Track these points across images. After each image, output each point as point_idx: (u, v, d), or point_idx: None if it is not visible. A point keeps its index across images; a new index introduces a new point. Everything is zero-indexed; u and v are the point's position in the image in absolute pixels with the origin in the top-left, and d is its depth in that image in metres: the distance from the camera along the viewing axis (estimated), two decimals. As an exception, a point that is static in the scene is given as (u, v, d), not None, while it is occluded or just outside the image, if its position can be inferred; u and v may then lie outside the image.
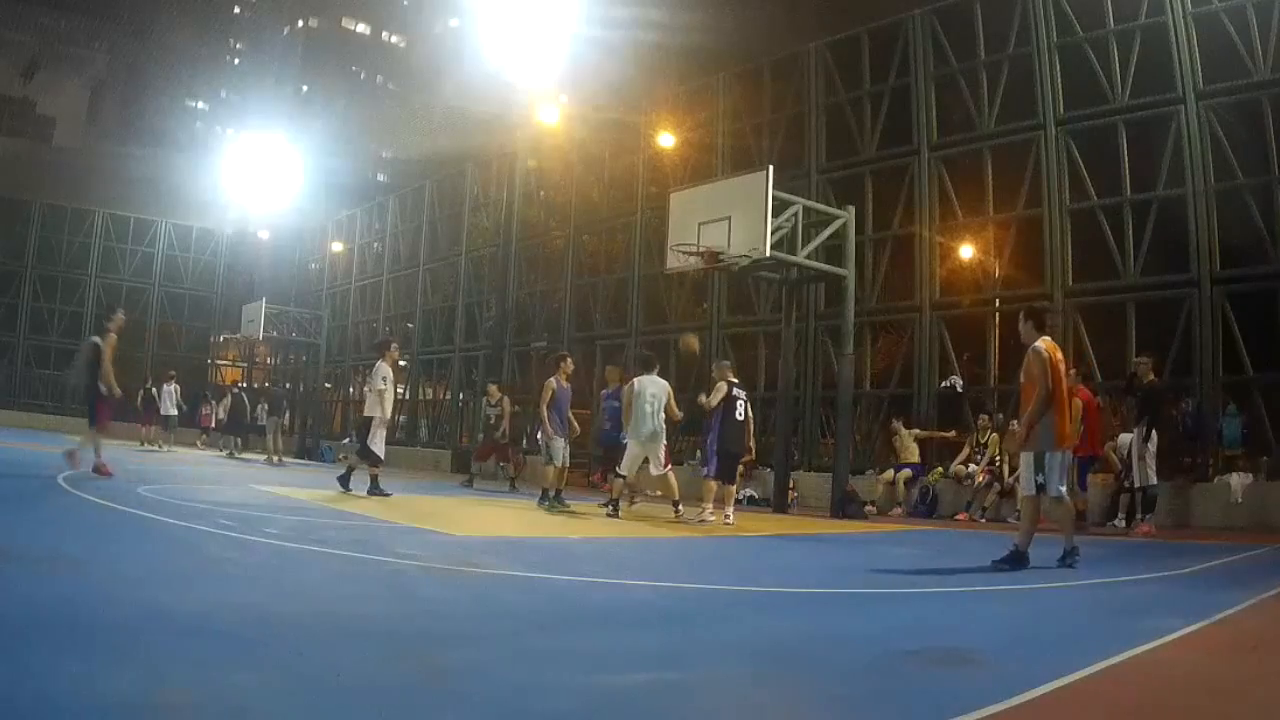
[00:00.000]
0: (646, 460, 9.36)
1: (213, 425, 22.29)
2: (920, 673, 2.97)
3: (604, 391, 11.24)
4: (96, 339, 9.44)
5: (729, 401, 9.12)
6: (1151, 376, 9.83)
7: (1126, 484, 9.97)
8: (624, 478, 9.34)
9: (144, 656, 2.51)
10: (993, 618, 4.30)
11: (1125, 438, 9.96)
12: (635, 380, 9.49)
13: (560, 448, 9.89)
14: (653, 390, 9.24)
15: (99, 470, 9.04)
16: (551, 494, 9.83)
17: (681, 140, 18.25)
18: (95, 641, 2.61)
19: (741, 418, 9.21)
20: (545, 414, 9.85)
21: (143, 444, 20.04)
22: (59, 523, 5.76)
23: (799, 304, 13.59)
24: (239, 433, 20.47)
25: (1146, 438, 9.43)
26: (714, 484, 9.18)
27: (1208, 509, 10.24)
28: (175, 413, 20.93)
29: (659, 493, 10.38)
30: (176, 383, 21.17)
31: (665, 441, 9.53)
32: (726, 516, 9.04)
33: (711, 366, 10.36)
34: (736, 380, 9.48)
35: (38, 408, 27.07)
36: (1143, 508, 9.55)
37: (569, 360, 10.55)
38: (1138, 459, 9.47)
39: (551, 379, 10.08)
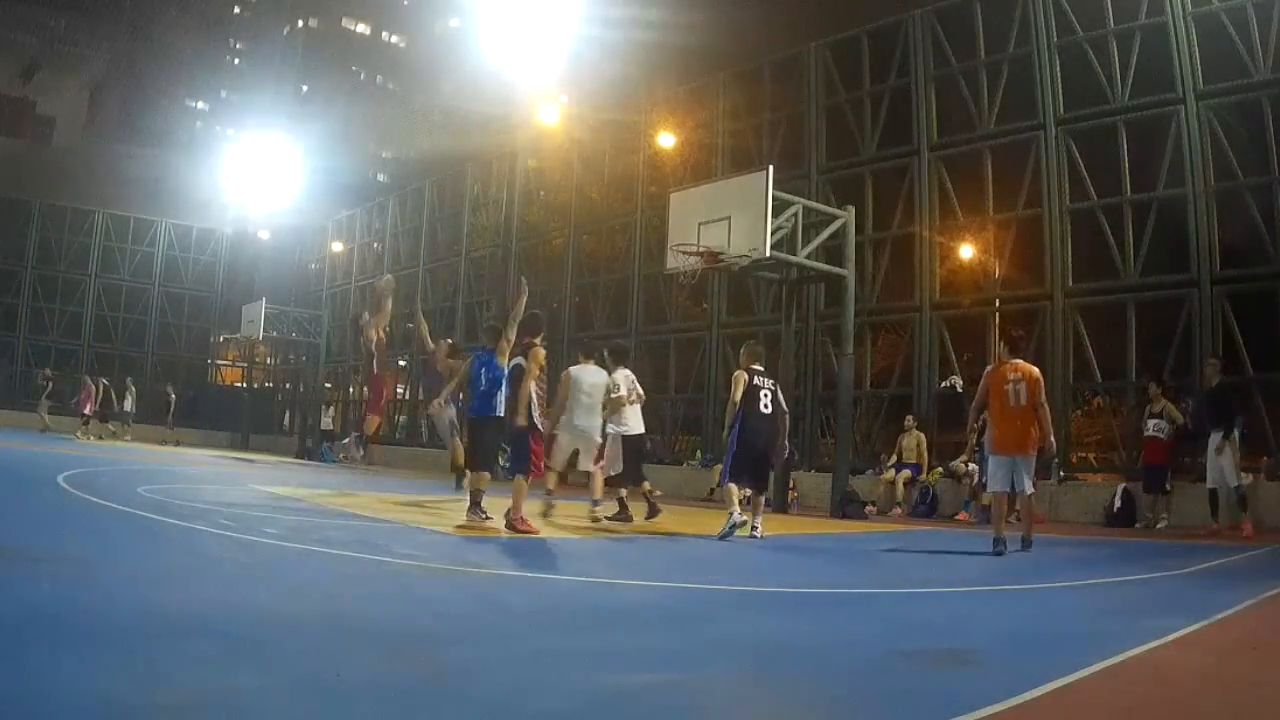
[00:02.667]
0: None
1: (88, 411, 22.58)
2: (920, 673, 2.97)
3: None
4: None
5: (750, 393, 7.70)
6: (1219, 377, 9.79)
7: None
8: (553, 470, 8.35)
9: (144, 656, 2.51)
10: (993, 618, 4.30)
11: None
12: (571, 369, 8.54)
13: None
14: (591, 381, 8.38)
15: None
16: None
17: (681, 140, 18.25)
18: (95, 641, 2.61)
19: (768, 410, 7.72)
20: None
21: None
22: (59, 523, 5.76)
23: (799, 304, 13.59)
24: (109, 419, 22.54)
25: (1227, 437, 9.38)
26: (731, 488, 7.69)
27: (1208, 509, 10.22)
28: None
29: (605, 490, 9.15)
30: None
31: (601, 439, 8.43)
32: (755, 528, 7.58)
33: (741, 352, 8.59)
34: (761, 368, 7.97)
35: (38, 407, 27.04)
36: (1239, 507, 9.43)
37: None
38: (1226, 461, 9.32)
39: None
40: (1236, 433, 9.45)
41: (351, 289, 27.57)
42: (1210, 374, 9.85)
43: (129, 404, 23.51)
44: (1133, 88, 12.00)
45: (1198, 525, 9.85)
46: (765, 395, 7.75)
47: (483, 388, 7.32)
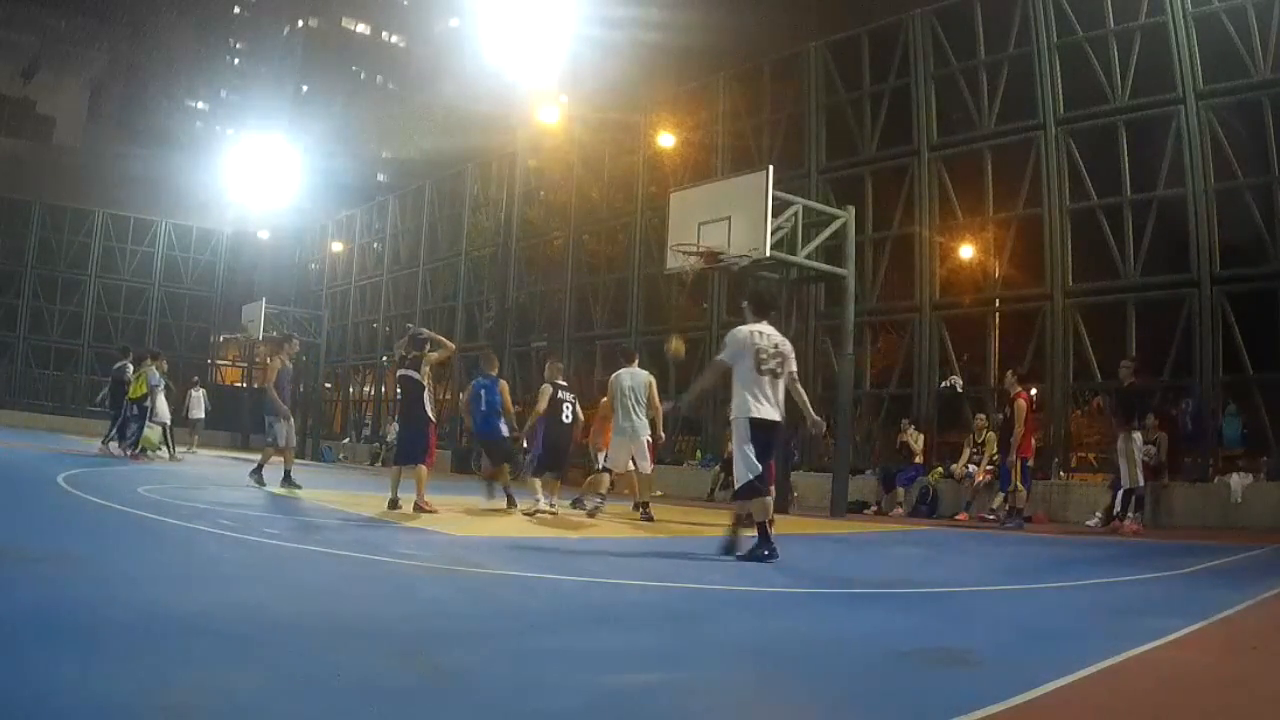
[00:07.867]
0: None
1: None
2: (920, 673, 2.97)
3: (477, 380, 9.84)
4: None
5: None
6: (1132, 379, 9.92)
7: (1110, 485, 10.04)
8: (609, 472, 9.18)
9: (144, 656, 2.51)
10: (992, 618, 4.30)
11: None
12: (615, 374, 9.12)
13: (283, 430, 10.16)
14: (630, 383, 8.83)
15: None
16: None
17: (681, 140, 18.25)
18: (95, 641, 2.61)
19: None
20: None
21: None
22: (59, 523, 5.76)
23: (799, 304, 13.58)
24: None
25: (1128, 438, 9.54)
26: None
27: (1208, 509, 10.24)
28: (202, 415, 20.62)
29: (626, 491, 9.69)
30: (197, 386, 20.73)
31: (649, 438, 8.99)
32: None
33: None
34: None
35: (38, 408, 27.06)
36: (1133, 507, 9.56)
37: (294, 342, 10.93)
38: (1124, 459, 9.53)
39: (278, 359, 10.30)
40: (1137, 435, 9.65)
41: (351, 289, 27.59)
42: (1124, 375, 10.11)
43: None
44: (1133, 88, 12.01)
45: (1192, 525, 9.92)
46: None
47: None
